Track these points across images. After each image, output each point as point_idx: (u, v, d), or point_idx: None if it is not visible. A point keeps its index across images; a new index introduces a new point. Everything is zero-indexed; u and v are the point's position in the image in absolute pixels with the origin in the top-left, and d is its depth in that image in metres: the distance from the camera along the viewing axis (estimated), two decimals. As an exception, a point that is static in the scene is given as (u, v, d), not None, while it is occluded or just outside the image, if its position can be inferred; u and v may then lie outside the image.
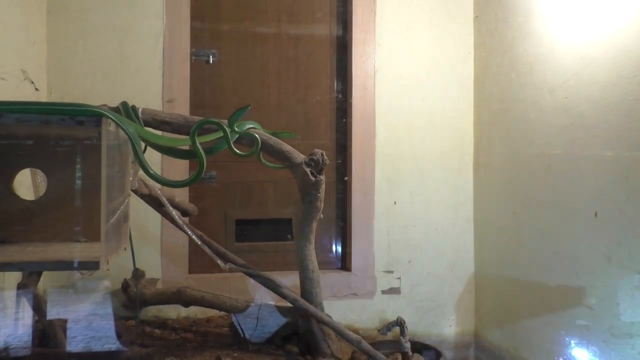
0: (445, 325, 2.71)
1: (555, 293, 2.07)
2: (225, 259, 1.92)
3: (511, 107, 2.40)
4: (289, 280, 1.99)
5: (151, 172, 1.22)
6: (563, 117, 2.03)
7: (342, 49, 2.71)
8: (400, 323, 2.04)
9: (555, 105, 2.08)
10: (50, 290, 2.30)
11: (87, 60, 2.37)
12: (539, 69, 2.19)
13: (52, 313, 1.98)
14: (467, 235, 2.74)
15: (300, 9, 2.68)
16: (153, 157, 2.29)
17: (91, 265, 1.03)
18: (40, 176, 1.48)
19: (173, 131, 1.62)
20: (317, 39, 2.70)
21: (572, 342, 1.96)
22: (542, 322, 2.15)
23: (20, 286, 1.78)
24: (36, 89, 2.00)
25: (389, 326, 2.05)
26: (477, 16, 2.71)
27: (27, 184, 1.57)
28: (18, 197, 1.41)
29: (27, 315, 1.85)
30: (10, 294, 1.82)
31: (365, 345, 1.88)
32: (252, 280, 2.02)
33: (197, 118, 1.63)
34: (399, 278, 2.66)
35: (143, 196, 1.86)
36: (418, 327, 2.65)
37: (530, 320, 2.24)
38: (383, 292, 2.65)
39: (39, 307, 1.84)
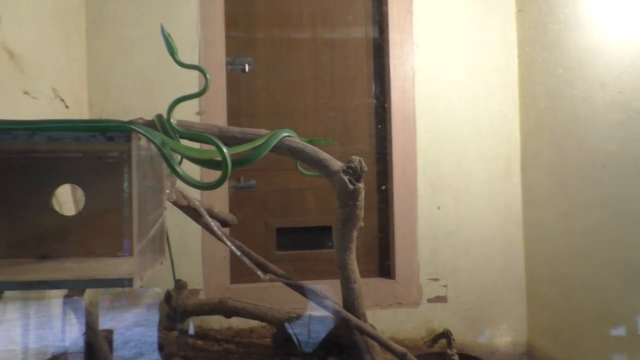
0: (496, 335, 2.60)
1: (614, 301, 1.94)
2: (265, 269, 1.89)
3: (560, 105, 2.27)
4: (332, 289, 1.95)
5: (179, 171, 1.19)
6: (617, 113, 1.91)
7: (379, 51, 2.65)
8: (447, 335, 1.96)
9: (608, 101, 1.96)
10: (98, 300, 2.34)
11: (126, 75, 2.41)
12: (590, 62, 2.07)
13: (98, 324, 2.01)
14: (516, 241, 2.62)
15: (334, 12, 2.64)
16: (192, 169, 2.29)
17: (125, 283, 1.02)
18: (79, 192, 1.48)
19: (207, 142, 1.60)
20: (352, 42, 2.65)
21: (634, 353, 1.83)
22: (600, 331, 2.02)
23: (67, 296, 1.80)
24: (66, 107, 2.03)
25: (435, 338, 1.98)
26: (520, 10, 2.60)
27: (67, 200, 1.58)
28: (57, 212, 1.42)
29: (73, 327, 1.88)
30: (57, 304, 1.85)
31: (411, 357, 1.80)
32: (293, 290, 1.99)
33: (232, 128, 1.61)
34: (445, 286, 2.57)
35: (182, 207, 1.86)
36: (466, 337, 2.55)
37: (587, 330, 2.11)
38: (429, 300, 2.57)
39: (84, 318, 1.86)
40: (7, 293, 1.43)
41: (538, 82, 2.45)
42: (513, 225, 2.62)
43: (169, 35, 1.35)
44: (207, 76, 1.40)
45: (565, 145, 2.24)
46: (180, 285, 2.16)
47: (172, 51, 1.36)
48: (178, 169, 1.19)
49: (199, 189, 1.28)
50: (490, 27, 2.62)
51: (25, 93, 1.69)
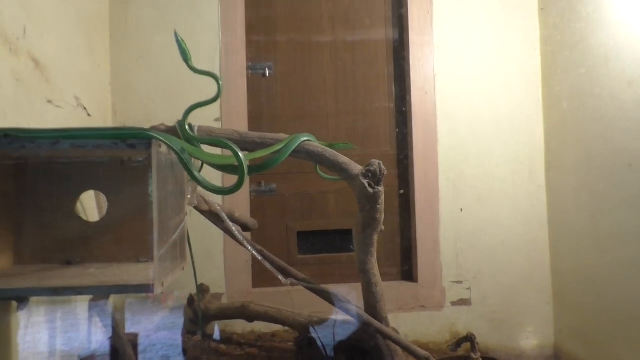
0: (522, 338, 2.55)
1: (644, 304, 1.89)
2: (286, 274, 1.90)
3: (584, 104, 2.23)
4: (354, 292, 1.94)
5: (197, 176, 1.20)
6: (645, 111, 1.86)
7: (399, 53, 2.64)
8: (470, 338, 1.93)
9: (635, 98, 1.91)
10: (124, 303, 2.37)
11: (149, 81, 2.44)
12: (616, 60, 2.02)
13: (123, 327, 2.03)
14: (541, 242, 2.57)
15: (354, 14, 2.64)
16: (214, 174, 2.32)
17: (146, 289, 1.03)
18: (103, 198, 1.51)
19: (226, 148, 1.61)
20: (373, 44, 2.65)
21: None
22: (630, 332, 1.97)
23: (93, 300, 1.83)
24: (89, 115, 2.07)
25: (458, 342, 1.95)
26: (542, 8, 2.56)
27: (92, 206, 1.61)
28: (81, 218, 1.45)
29: (98, 330, 1.91)
30: (83, 308, 1.88)
31: (434, 362, 1.79)
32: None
33: (252, 134, 1.62)
34: (469, 288, 2.54)
35: (203, 212, 1.87)
36: (491, 340, 2.51)
37: (616, 331, 2.06)
38: (452, 303, 2.54)
39: (110, 322, 1.89)
40: (34, 297, 1.46)
41: (561, 81, 2.40)
42: (538, 227, 2.57)
43: (183, 41, 1.36)
44: (220, 82, 1.41)
45: (591, 145, 2.20)
46: (202, 289, 2.18)
47: (185, 57, 1.37)
48: (196, 174, 1.20)
49: (217, 193, 1.29)
50: (512, 26, 2.59)
51: (49, 102, 1.73)
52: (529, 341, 2.56)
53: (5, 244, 1.34)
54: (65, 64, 1.89)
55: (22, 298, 1.17)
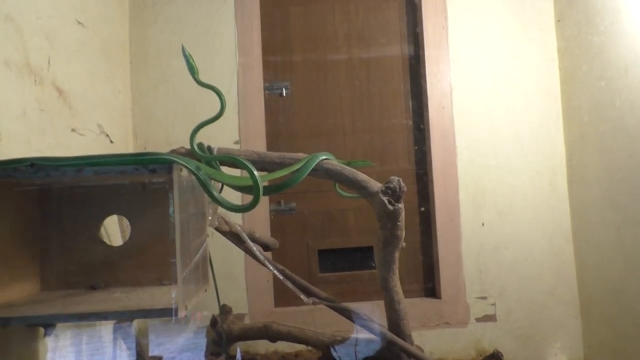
0: (550, 354, 2.49)
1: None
2: (308, 293, 1.89)
3: (605, 115, 2.20)
4: (376, 310, 1.92)
5: (214, 193, 1.21)
6: (668, 121, 1.83)
7: (415, 68, 2.64)
8: (497, 355, 1.90)
9: (657, 109, 1.88)
10: (147, 326, 2.38)
11: (168, 105, 2.48)
12: (636, 71, 1.99)
13: (147, 350, 2.04)
14: (566, 256, 2.52)
15: (369, 32, 2.66)
16: (233, 195, 2.33)
17: (170, 313, 1.03)
18: (126, 222, 1.53)
19: (242, 167, 1.63)
20: (388, 60, 2.66)
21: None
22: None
23: (117, 323, 1.85)
24: (111, 142, 2.10)
25: (485, 359, 1.92)
26: (559, 21, 2.54)
27: (115, 231, 1.63)
28: (105, 243, 1.47)
29: (123, 353, 1.92)
30: (108, 330, 1.89)
31: (460, 380, 1.76)
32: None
33: (270, 154, 1.63)
34: (494, 304, 2.50)
35: (224, 233, 1.88)
36: (518, 356, 2.46)
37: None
38: (477, 319, 2.50)
39: (134, 344, 1.90)
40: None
41: (581, 93, 2.38)
42: (562, 240, 2.53)
43: (190, 55, 1.40)
44: (222, 97, 1.44)
45: (614, 157, 2.16)
46: (225, 310, 2.18)
47: (192, 71, 1.41)
48: (214, 193, 1.20)
49: (234, 211, 1.30)
50: (529, 39, 2.58)
51: (73, 130, 1.77)
52: (558, 357, 2.50)
53: (32, 270, 1.37)
54: (88, 91, 1.93)
55: (48, 324, 1.19)
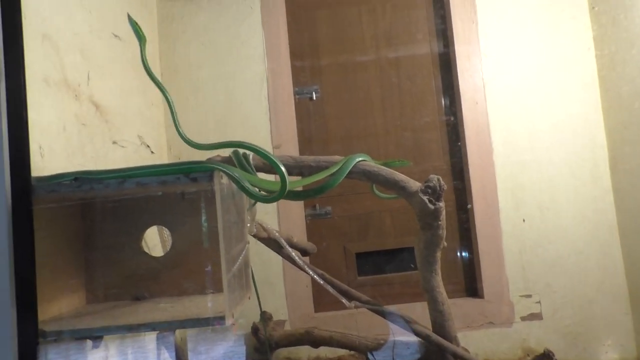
0: (601, 352, 2.41)
1: None
2: (349, 297, 1.87)
3: (649, 101, 2.12)
4: (419, 312, 1.89)
5: (246, 185, 1.19)
6: None
7: (446, 65, 2.60)
8: (548, 355, 1.84)
9: None
10: (184, 334, 2.39)
11: (199, 114, 2.50)
12: (678, 53, 1.92)
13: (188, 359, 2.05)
14: (613, 249, 2.44)
15: (397, 31, 2.63)
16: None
17: (216, 321, 1.03)
18: (166, 232, 1.54)
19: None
20: (418, 58, 2.62)
21: None
22: None
23: (160, 333, 1.86)
24: (152, 152, 2.13)
25: (535, 359, 1.86)
26: (594, 8, 2.47)
27: (156, 242, 1.64)
28: (147, 254, 1.47)
29: (167, 363, 1.92)
30: (151, 340, 1.90)
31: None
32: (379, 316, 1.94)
33: (306, 158, 1.61)
34: (539, 302, 2.43)
35: (262, 240, 1.88)
36: (568, 355, 2.38)
37: None
38: (522, 318, 2.43)
39: (177, 354, 1.91)
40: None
41: (621, 80, 2.30)
42: (607, 233, 2.45)
43: (136, 23, 1.32)
44: (165, 92, 1.39)
45: (660, 144, 2.08)
46: (266, 317, 2.17)
47: (140, 40, 1.34)
48: (246, 185, 1.17)
49: (263, 201, 1.28)
50: (562, 28, 2.51)
51: (114, 142, 1.79)
52: (609, 355, 2.41)
53: (78, 283, 1.38)
54: (123, 105, 1.96)
55: (96, 336, 1.19)
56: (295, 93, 2.58)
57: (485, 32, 2.52)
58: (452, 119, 2.59)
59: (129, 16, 1.33)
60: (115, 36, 1.92)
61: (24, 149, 1.02)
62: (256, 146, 1.32)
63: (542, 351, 1.91)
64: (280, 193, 1.20)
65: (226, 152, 1.58)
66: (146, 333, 1.91)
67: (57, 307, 1.25)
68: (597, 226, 2.45)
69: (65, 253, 1.34)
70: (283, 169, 1.21)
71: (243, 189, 1.18)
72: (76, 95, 1.55)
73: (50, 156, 1.37)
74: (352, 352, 2.20)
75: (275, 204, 2.43)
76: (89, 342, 1.43)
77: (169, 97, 1.42)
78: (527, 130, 2.48)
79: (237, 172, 1.16)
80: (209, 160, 1.58)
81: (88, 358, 1.46)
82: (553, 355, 1.84)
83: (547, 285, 2.44)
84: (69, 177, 1.09)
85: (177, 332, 2.22)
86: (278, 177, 1.33)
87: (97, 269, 1.43)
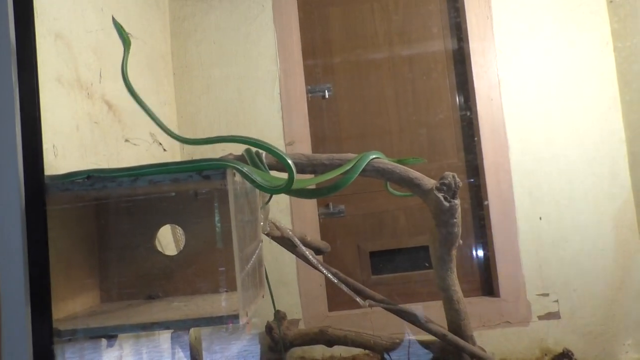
0: (621, 352, 2.37)
1: None
2: (363, 295, 1.86)
3: (669, 96, 2.08)
4: (433, 311, 1.86)
5: (255, 178, 1.18)
6: None
7: (460, 62, 2.57)
8: (567, 355, 1.81)
9: None
10: (199, 334, 2.39)
11: (212, 114, 2.50)
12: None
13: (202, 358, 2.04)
14: (632, 245, 2.40)
15: (410, 27, 2.60)
16: (280, 201, 2.33)
17: (231, 320, 1.02)
18: (179, 231, 1.53)
19: (297, 172, 1.60)
20: (431, 55, 2.60)
21: None
22: None
23: (174, 332, 1.85)
24: (164, 150, 2.13)
25: (554, 359, 1.83)
26: (611, 1, 2.42)
27: (169, 240, 1.64)
28: (161, 253, 1.47)
29: (182, 363, 1.92)
30: (166, 339, 1.90)
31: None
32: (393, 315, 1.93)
33: (319, 156, 1.60)
34: (557, 301, 2.39)
35: (275, 238, 1.87)
36: (587, 355, 2.34)
37: None
38: (539, 317, 2.39)
39: (192, 353, 1.90)
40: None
41: (640, 73, 2.26)
42: (627, 231, 2.40)
43: (121, 26, 1.29)
44: (121, 30, 1.30)
45: (681, 139, 2.04)
46: (280, 316, 2.17)
47: (124, 43, 1.29)
48: (254, 177, 1.16)
49: (270, 192, 1.26)
50: (578, 23, 2.47)
51: (127, 140, 1.79)
52: (630, 355, 2.36)
53: (92, 282, 1.38)
54: (135, 104, 1.95)
55: (111, 335, 1.19)
56: (308, 91, 2.57)
57: (500, 28, 2.49)
58: (467, 114, 2.56)
59: (113, 19, 1.31)
60: (128, 34, 1.92)
61: (37, 148, 1.02)
62: (251, 138, 1.30)
63: (560, 351, 1.88)
64: (288, 183, 1.19)
65: (239, 151, 1.57)
66: (160, 332, 1.91)
67: (71, 306, 1.24)
68: (616, 223, 2.41)
69: (79, 252, 1.34)
70: (289, 160, 1.19)
71: (252, 181, 1.16)
72: (89, 94, 1.55)
73: (63, 155, 1.37)
74: (367, 352, 2.18)
75: (288, 202, 2.42)
76: (104, 341, 1.43)
77: (145, 105, 1.39)
78: (543, 127, 2.45)
79: (248, 168, 1.15)
80: (222, 158, 1.57)
81: (103, 357, 1.47)
82: (572, 355, 1.81)
83: (565, 284, 2.40)
84: (82, 175, 1.08)
85: (192, 331, 2.21)
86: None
87: (111, 268, 1.43)
